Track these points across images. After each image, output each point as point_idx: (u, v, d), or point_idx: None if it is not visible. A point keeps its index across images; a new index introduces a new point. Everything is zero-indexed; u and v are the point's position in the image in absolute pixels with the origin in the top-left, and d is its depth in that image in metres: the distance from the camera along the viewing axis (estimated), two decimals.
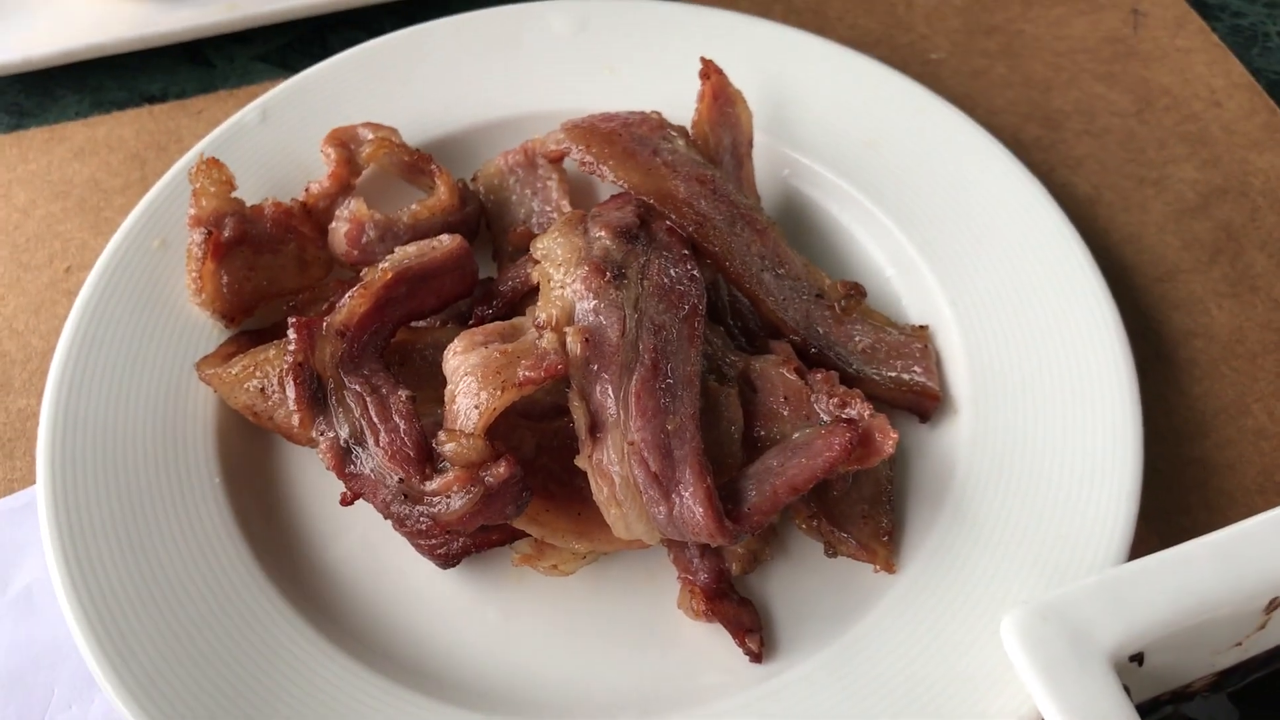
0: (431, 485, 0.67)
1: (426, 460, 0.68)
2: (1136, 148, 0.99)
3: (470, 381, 0.67)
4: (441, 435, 0.67)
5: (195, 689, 0.65)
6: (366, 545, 0.74)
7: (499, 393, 0.66)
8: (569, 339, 0.68)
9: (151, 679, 0.65)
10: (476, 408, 0.66)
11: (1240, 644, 0.66)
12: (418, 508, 0.67)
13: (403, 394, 0.70)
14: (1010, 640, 0.61)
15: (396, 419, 0.69)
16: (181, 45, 1.07)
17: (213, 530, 0.72)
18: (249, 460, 0.77)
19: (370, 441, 0.68)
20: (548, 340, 0.68)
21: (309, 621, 0.69)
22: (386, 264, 0.74)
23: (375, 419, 0.68)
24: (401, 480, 0.67)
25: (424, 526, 0.67)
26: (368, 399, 0.69)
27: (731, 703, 0.67)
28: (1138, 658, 0.63)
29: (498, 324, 0.72)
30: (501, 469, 0.65)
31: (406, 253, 0.75)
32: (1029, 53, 1.07)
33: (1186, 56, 1.06)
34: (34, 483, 0.80)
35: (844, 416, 0.72)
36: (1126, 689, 0.61)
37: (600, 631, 0.71)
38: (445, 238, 0.76)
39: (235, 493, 0.75)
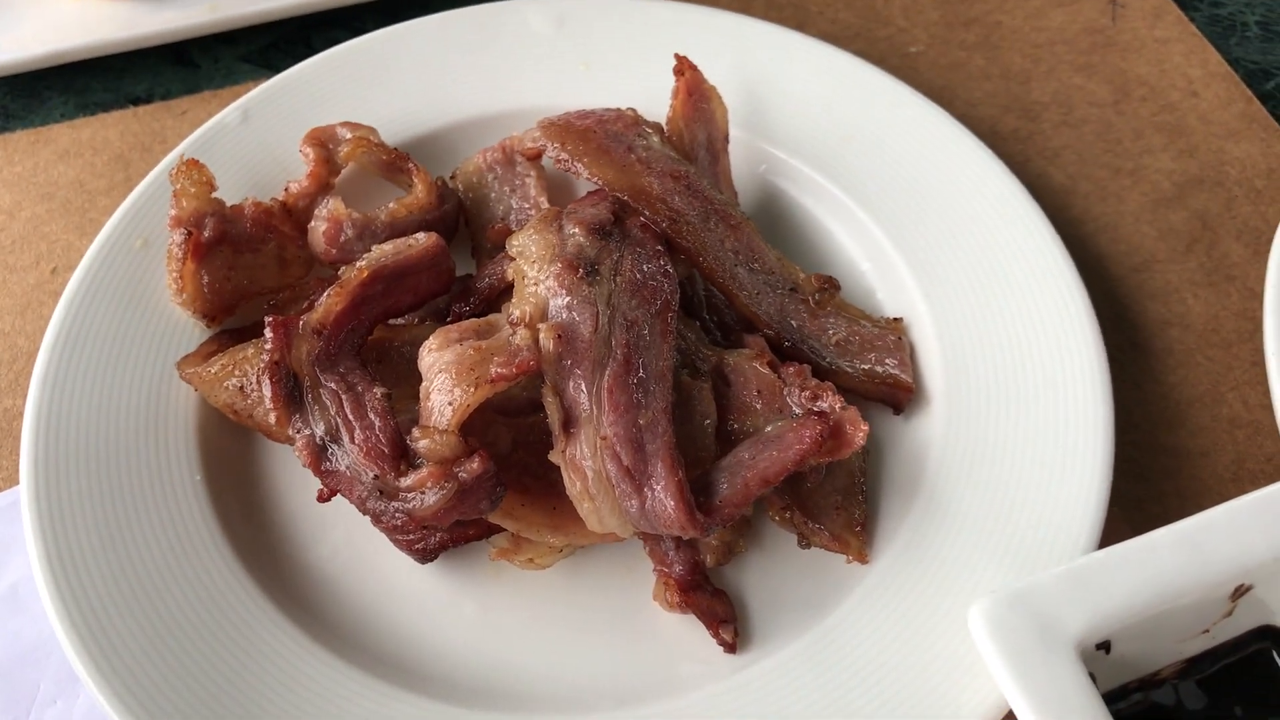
0: (406, 481, 0.68)
1: (401, 456, 0.69)
2: (1113, 138, 1.00)
3: (444, 378, 0.68)
4: (416, 432, 0.68)
5: (177, 684, 0.66)
6: (347, 542, 0.75)
7: (472, 389, 0.67)
8: (542, 335, 0.69)
9: (134, 675, 0.66)
10: (450, 404, 0.67)
11: (1208, 631, 0.67)
12: (393, 503, 0.68)
13: (378, 391, 0.70)
14: (977, 629, 0.62)
15: (371, 416, 0.70)
16: (166, 46, 1.08)
17: (194, 528, 0.73)
18: (230, 458, 0.78)
19: (345, 439, 0.69)
20: (521, 337, 0.69)
21: (289, 617, 0.70)
22: (363, 262, 0.74)
23: (350, 416, 0.69)
24: (376, 476, 0.68)
25: (399, 522, 0.68)
26: (343, 396, 0.70)
27: (706, 692, 0.68)
28: (1105, 646, 0.64)
29: (473, 321, 0.73)
30: (475, 465, 0.66)
31: (383, 250, 0.76)
32: (1007, 44, 1.07)
33: (1164, 47, 1.07)
34: (19, 483, 0.81)
35: (815, 409, 0.73)
36: (1093, 676, 0.62)
37: (577, 623, 0.72)
38: (421, 236, 0.76)
39: (216, 490, 0.75)
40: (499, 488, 0.68)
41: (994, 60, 1.06)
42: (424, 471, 0.67)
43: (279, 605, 0.71)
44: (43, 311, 0.90)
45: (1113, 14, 1.10)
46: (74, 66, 1.06)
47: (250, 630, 0.70)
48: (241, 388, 0.74)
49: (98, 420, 0.76)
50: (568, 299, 0.70)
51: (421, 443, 0.67)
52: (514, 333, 0.70)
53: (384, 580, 0.74)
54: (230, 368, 0.74)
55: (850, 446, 0.71)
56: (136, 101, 1.05)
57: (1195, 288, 0.90)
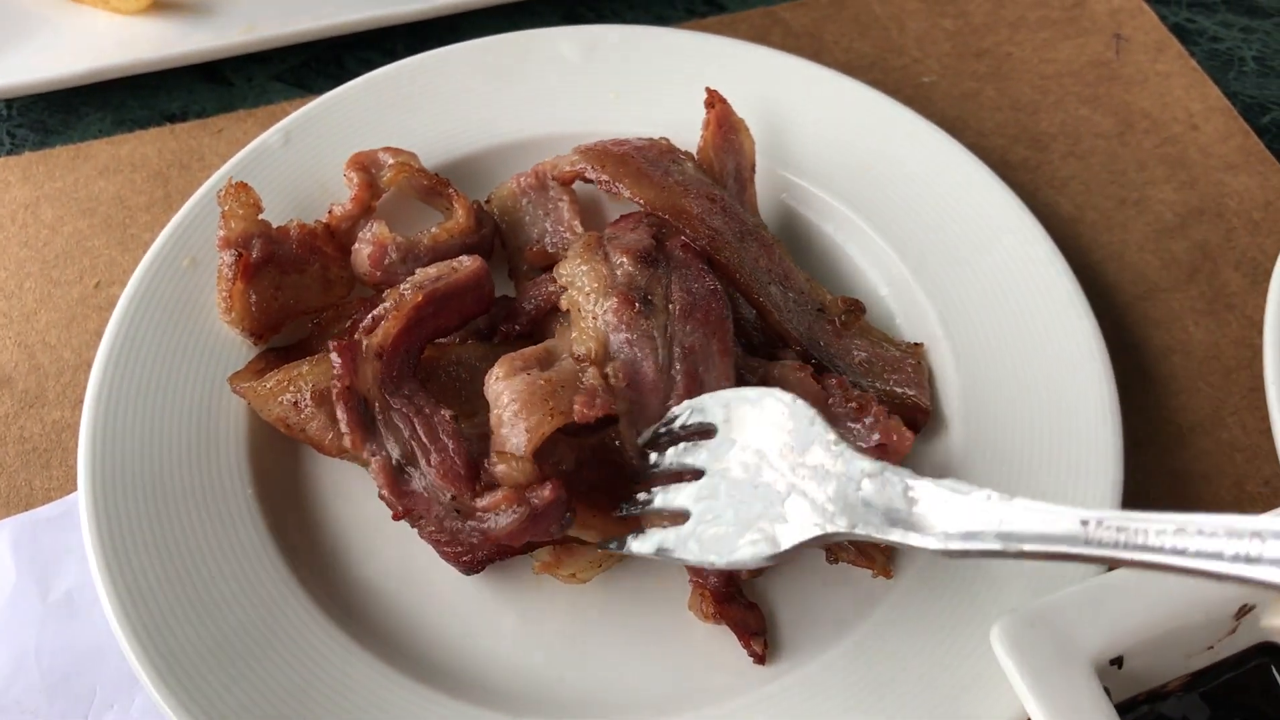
0: (482, 502, 0.71)
1: (475, 478, 0.72)
2: (1118, 169, 1.04)
3: (517, 407, 0.72)
4: (493, 456, 0.72)
5: (232, 686, 0.70)
6: (393, 551, 0.78)
7: (549, 419, 0.71)
8: (610, 377, 0.73)
9: (191, 678, 0.69)
10: (526, 432, 0.71)
11: (1212, 647, 0.71)
12: (469, 523, 0.72)
13: (445, 413, 0.74)
14: (999, 646, 0.66)
15: (444, 438, 0.73)
16: (202, 65, 1.10)
17: (246, 537, 0.77)
18: (280, 471, 0.81)
19: (422, 461, 0.73)
20: (591, 376, 0.73)
21: (338, 624, 0.74)
22: (409, 286, 0.77)
23: (425, 439, 0.73)
24: (454, 497, 0.72)
25: (476, 540, 0.72)
26: (415, 419, 0.73)
27: (737, 704, 0.71)
28: (1117, 661, 0.68)
29: (533, 349, 0.76)
30: (548, 492, 0.70)
31: (428, 273, 0.79)
32: (1017, 75, 1.12)
33: (1166, 80, 1.11)
34: (69, 492, 0.84)
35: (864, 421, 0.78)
36: (1107, 690, 0.66)
37: (613, 633, 0.76)
38: (466, 259, 0.80)
39: (267, 502, 0.79)
40: (569, 513, 0.72)
41: (1004, 91, 1.10)
42: (499, 494, 0.71)
43: (328, 613, 0.74)
44: (87, 325, 0.92)
45: (1116, 48, 1.14)
46: (110, 83, 1.09)
47: (300, 636, 0.73)
48: (295, 403, 0.77)
49: (152, 431, 0.79)
50: (627, 334, 0.74)
51: (499, 468, 0.71)
52: (583, 370, 0.73)
53: (431, 591, 0.77)
54: (285, 384, 0.77)
55: (900, 453, 0.75)
56: (172, 119, 1.08)
57: (1197, 315, 0.95)
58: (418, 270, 0.80)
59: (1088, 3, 1.17)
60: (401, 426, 0.74)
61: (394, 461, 0.73)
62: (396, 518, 0.74)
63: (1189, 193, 1.03)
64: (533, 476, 0.70)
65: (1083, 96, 1.10)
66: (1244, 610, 0.69)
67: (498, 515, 0.71)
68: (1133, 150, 1.06)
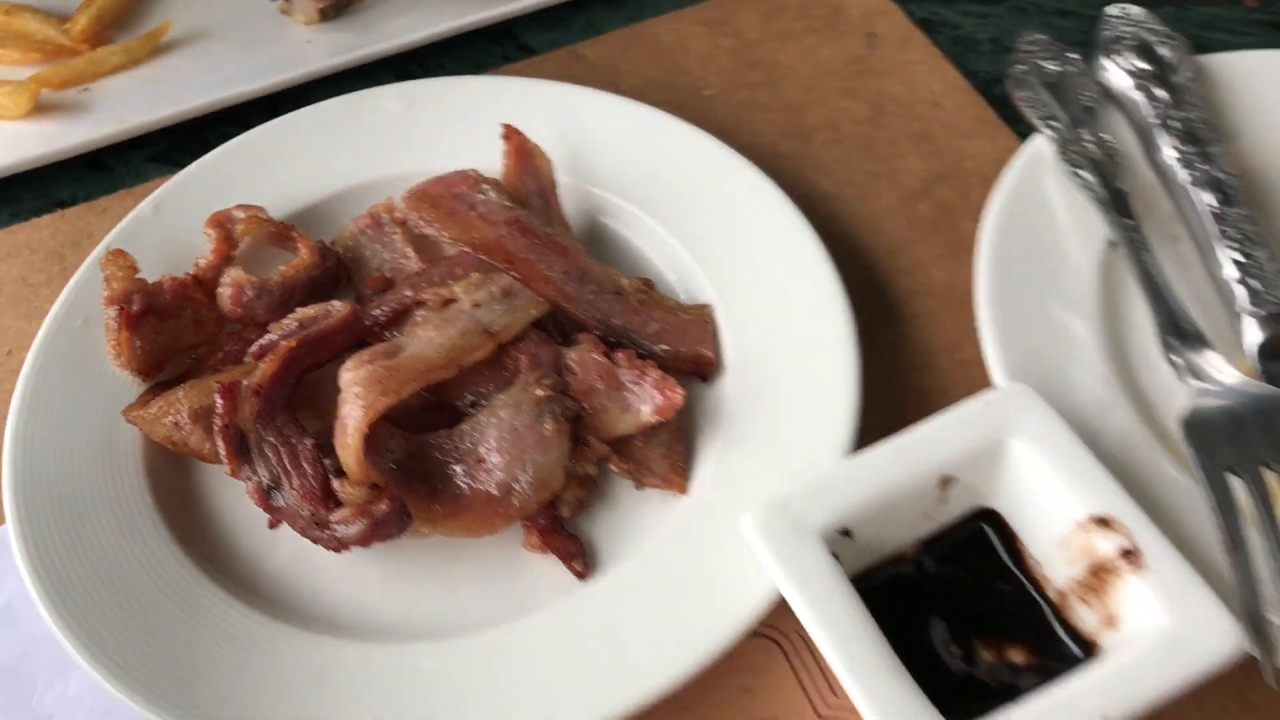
0: (335, 516, 0.89)
1: (330, 496, 0.89)
2: (872, 149, 1.23)
3: (358, 389, 0.89)
4: (337, 484, 0.89)
5: (150, 656, 0.86)
6: (277, 541, 0.95)
7: (383, 398, 0.89)
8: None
9: (117, 652, 0.85)
10: (363, 409, 0.87)
11: (930, 515, 0.89)
12: (326, 531, 0.89)
13: (308, 442, 0.90)
14: (748, 530, 0.83)
15: (304, 465, 0.90)
16: (84, 155, 1.27)
17: (151, 539, 0.93)
18: (174, 480, 0.98)
19: (285, 485, 0.89)
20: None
21: (232, 594, 0.90)
22: (285, 332, 0.94)
23: (289, 466, 0.90)
24: (312, 514, 0.89)
25: (333, 546, 0.89)
26: (281, 450, 0.90)
27: (562, 605, 0.88)
28: (848, 533, 0.85)
29: (382, 345, 0.94)
30: (384, 506, 0.87)
31: (307, 314, 0.95)
32: (786, 80, 1.30)
33: (912, 67, 1.30)
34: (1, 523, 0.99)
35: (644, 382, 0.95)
36: (836, 555, 0.83)
37: (459, 571, 0.93)
38: (338, 304, 0.96)
39: (165, 506, 0.95)
40: (405, 518, 0.88)
41: (775, 95, 1.29)
42: (347, 511, 0.88)
43: (222, 585, 0.91)
44: (3, 387, 1.08)
45: (870, 45, 1.33)
46: (4, 180, 1.25)
47: (201, 608, 0.89)
48: (176, 423, 0.93)
49: (64, 462, 0.95)
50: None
51: (346, 491, 0.88)
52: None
53: (302, 555, 0.93)
54: (166, 408, 0.94)
55: (673, 409, 0.93)
56: (63, 204, 1.24)
57: (939, 260, 1.13)
58: (297, 309, 0.96)
59: (844, 9, 1.37)
60: (270, 455, 0.90)
61: (264, 485, 0.90)
62: (271, 526, 0.93)
63: (933, 161, 1.22)
64: (369, 498, 0.87)
65: (841, 90, 1.29)
66: (946, 481, 0.87)
67: (347, 526, 0.88)
68: (884, 131, 1.25)
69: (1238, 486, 0.85)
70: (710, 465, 0.95)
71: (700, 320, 1.04)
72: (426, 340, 0.95)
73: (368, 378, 0.90)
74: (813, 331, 1.00)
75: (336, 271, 1.07)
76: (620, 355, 0.97)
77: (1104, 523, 0.82)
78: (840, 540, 0.84)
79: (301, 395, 0.95)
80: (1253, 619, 0.80)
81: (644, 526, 0.94)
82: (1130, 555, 0.80)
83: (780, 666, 0.89)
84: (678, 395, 0.93)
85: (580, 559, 0.92)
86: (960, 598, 0.87)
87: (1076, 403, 0.93)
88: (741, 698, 0.88)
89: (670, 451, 0.97)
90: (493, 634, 0.88)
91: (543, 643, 0.87)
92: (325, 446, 0.91)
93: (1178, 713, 0.77)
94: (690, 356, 1.02)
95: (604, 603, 0.88)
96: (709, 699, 0.87)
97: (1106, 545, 0.81)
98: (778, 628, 0.90)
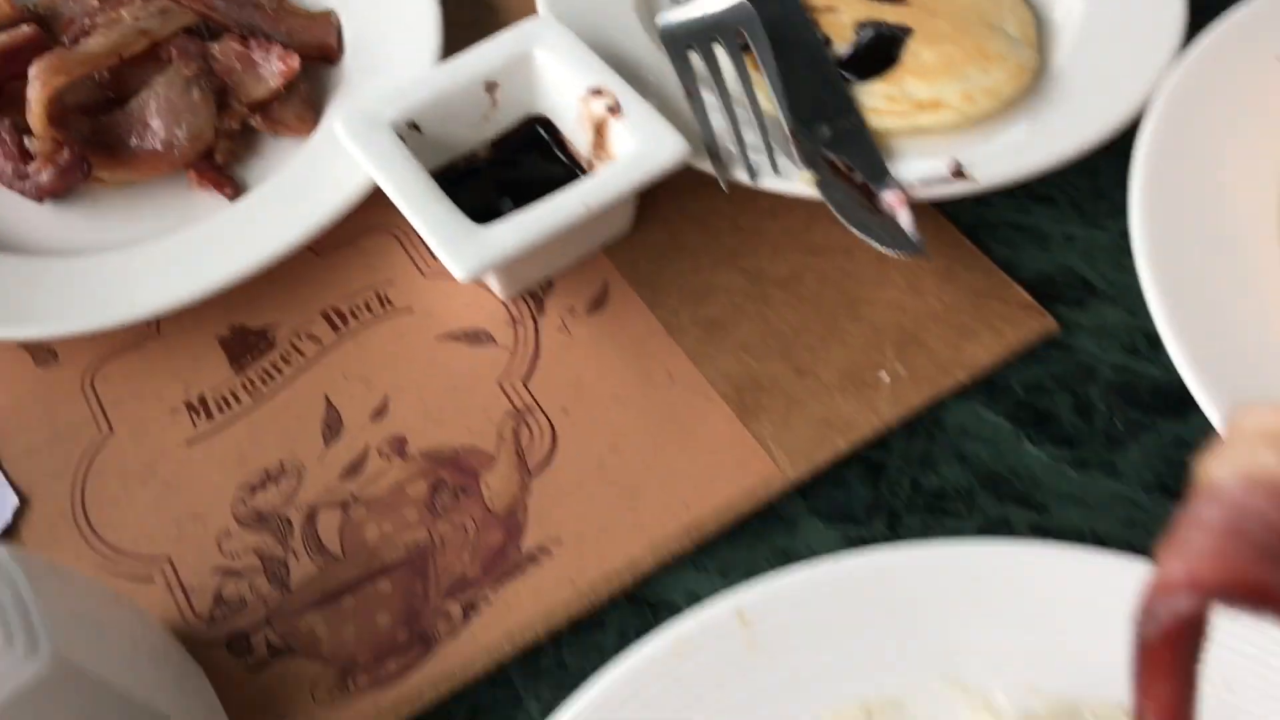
0: (29, 168, 1.14)
1: (26, 153, 1.15)
2: None
3: (41, 67, 1.14)
4: (32, 145, 1.14)
5: None
6: None
7: (56, 77, 1.13)
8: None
9: None
10: (42, 86, 1.13)
11: (488, 118, 1.18)
12: (27, 181, 1.15)
13: (7, 121, 1.16)
14: (338, 128, 1.11)
15: (4, 135, 1.15)
16: None
17: None
18: None
19: None
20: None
21: None
22: None
23: None
24: (15, 169, 1.14)
25: (35, 194, 1.15)
26: None
27: (221, 215, 1.16)
28: (417, 127, 1.14)
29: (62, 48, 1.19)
30: (65, 155, 1.13)
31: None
32: None
33: None
34: None
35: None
36: (415, 150, 1.11)
37: (143, 208, 1.20)
38: (25, 27, 1.21)
39: None
40: (86, 163, 1.15)
41: None
42: (38, 163, 1.14)
43: None
44: None
45: None
46: None
47: None
48: None
49: None
50: None
51: (35, 144, 1.14)
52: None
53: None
54: None
55: (292, 73, 1.21)
56: None
57: None
58: None
59: None
60: None
61: None
62: None
63: None
64: (52, 149, 1.14)
65: None
66: (491, 86, 1.16)
67: (40, 175, 1.14)
68: None
69: (697, 59, 1.17)
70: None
71: (325, 20, 1.32)
72: (95, 41, 1.21)
73: (47, 63, 1.15)
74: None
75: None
76: (254, 42, 1.24)
77: (598, 92, 1.12)
78: (414, 135, 1.12)
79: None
80: (709, 147, 1.11)
81: (283, 162, 1.22)
82: (613, 109, 1.11)
83: (395, 248, 1.19)
84: (295, 61, 1.21)
85: (230, 186, 1.19)
86: (523, 183, 1.17)
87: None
88: (367, 273, 1.18)
89: (302, 111, 1.25)
90: (165, 240, 1.15)
91: (204, 244, 1.15)
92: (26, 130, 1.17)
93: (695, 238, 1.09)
94: (316, 44, 1.29)
95: (248, 210, 1.16)
96: (338, 277, 1.17)
97: (599, 106, 1.11)
98: (399, 226, 1.19)
